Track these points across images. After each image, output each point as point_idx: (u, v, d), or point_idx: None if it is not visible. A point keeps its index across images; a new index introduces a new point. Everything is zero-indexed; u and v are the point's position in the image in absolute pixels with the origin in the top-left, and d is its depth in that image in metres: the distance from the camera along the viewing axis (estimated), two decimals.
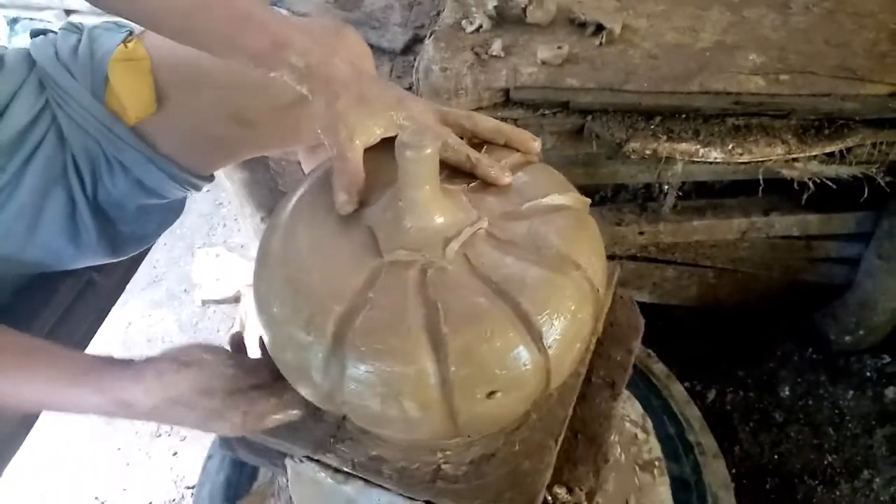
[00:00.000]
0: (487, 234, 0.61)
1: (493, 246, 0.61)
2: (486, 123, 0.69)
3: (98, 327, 1.06)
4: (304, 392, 0.61)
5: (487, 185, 0.65)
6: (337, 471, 0.68)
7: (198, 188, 0.96)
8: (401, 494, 0.66)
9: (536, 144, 0.69)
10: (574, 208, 0.65)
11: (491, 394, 0.56)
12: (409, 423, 0.57)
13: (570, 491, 0.69)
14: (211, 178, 0.98)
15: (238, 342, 0.76)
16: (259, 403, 0.66)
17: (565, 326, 0.57)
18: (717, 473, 1.06)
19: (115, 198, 0.88)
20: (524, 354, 0.55)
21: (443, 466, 0.67)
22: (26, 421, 0.92)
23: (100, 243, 0.89)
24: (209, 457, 1.11)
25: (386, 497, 0.67)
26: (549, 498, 0.68)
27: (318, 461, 0.68)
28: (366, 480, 0.67)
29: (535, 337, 0.56)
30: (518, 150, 0.69)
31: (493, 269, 0.58)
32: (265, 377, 0.68)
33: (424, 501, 0.65)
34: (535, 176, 0.67)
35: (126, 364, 0.68)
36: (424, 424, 0.58)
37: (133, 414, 0.66)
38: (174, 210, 0.99)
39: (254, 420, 0.66)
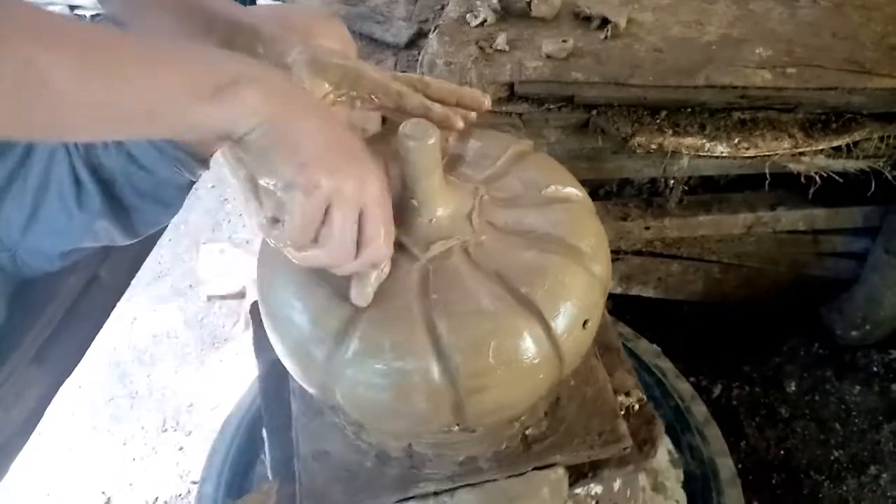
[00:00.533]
0: (490, 225, 0.62)
1: (497, 237, 0.61)
2: (436, 83, 0.69)
3: (103, 322, 1.06)
4: (304, 382, 0.62)
5: (486, 183, 0.66)
6: (438, 493, 0.67)
7: (191, 171, 0.95)
8: (510, 476, 0.67)
9: (486, 101, 0.70)
10: (576, 199, 0.66)
11: (487, 387, 0.56)
12: (414, 417, 0.58)
13: (627, 395, 0.76)
14: (206, 165, 0.98)
15: None
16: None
17: (575, 314, 0.57)
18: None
19: (108, 169, 0.90)
20: (532, 345, 0.56)
21: (527, 432, 0.69)
22: (31, 418, 0.92)
23: (103, 208, 0.90)
24: (213, 452, 1.11)
25: (497, 485, 0.67)
26: (620, 408, 0.73)
27: (413, 497, 0.66)
28: (471, 485, 0.67)
29: (545, 327, 0.56)
30: (472, 109, 0.69)
31: (497, 261, 0.58)
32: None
33: (534, 468, 0.67)
34: (537, 167, 0.68)
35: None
36: (431, 418, 0.58)
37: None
38: (172, 197, 0.98)
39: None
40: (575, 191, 0.66)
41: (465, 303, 0.56)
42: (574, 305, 0.57)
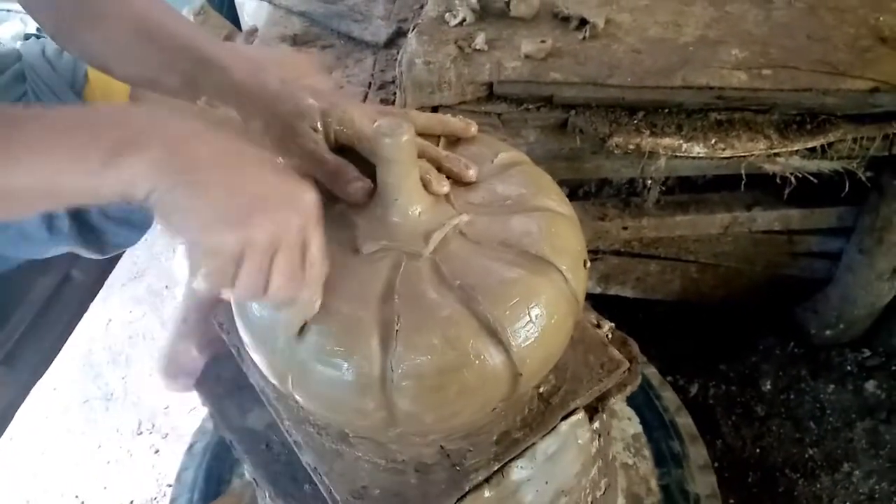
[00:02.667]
0: (461, 234, 0.61)
1: (467, 248, 0.60)
2: (421, 118, 0.69)
3: (77, 323, 1.05)
4: (262, 363, 0.61)
5: (466, 185, 0.65)
6: (489, 479, 0.67)
7: None
8: (545, 435, 0.69)
9: (473, 129, 0.69)
10: (557, 211, 0.65)
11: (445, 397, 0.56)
12: (353, 411, 0.58)
13: (599, 326, 0.81)
14: None
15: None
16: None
17: (536, 328, 0.56)
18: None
19: None
20: (481, 358, 0.55)
21: (541, 391, 0.71)
22: (0, 421, 0.90)
23: (72, 234, 0.89)
24: (190, 445, 1.10)
25: (536, 448, 0.69)
26: (604, 339, 0.77)
27: (469, 492, 0.66)
28: (515, 458, 0.68)
29: (499, 342, 0.55)
30: (459, 137, 0.69)
31: (462, 272, 0.57)
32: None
33: (561, 420, 0.70)
34: (522, 176, 0.67)
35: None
36: (367, 415, 0.58)
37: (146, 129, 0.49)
38: (141, 220, 0.99)
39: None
40: (556, 202, 0.65)
41: (420, 311, 0.55)
42: (538, 322, 0.57)
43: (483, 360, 0.55)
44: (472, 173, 0.64)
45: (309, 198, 0.51)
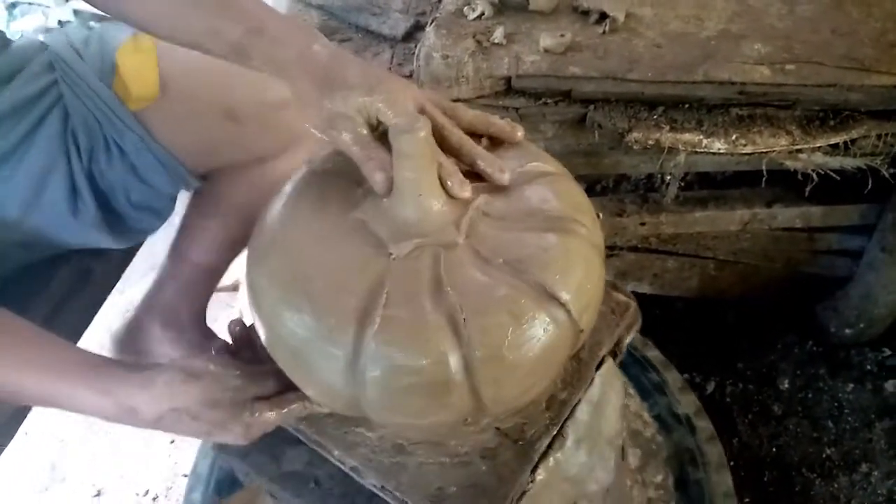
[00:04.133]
0: (484, 214, 0.61)
1: (492, 225, 0.60)
2: (469, 114, 0.67)
3: (94, 315, 1.05)
4: (321, 398, 0.61)
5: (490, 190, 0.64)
6: (552, 445, 0.69)
7: (188, 186, 0.97)
8: (586, 390, 0.72)
9: (520, 133, 0.68)
10: (557, 172, 0.65)
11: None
12: (440, 410, 0.57)
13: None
14: (202, 178, 0.98)
15: (239, 333, 0.75)
16: (263, 414, 0.66)
17: (584, 284, 0.58)
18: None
19: (108, 180, 0.89)
20: (549, 325, 0.55)
21: None
22: (18, 413, 0.91)
23: (97, 219, 0.90)
24: (202, 458, 1.11)
25: (583, 404, 0.72)
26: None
27: (540, 462, 0.68)
28: (567, 419, 0.70)
29: (560, 304, 0.56)
30: (504, 140, 0.68)
31: (501, 249, 0.58)
32: (270, 387, 0.67)
33: (596, 371, 0.72)
34: (549, 190, 0.65)
35: (133, 368, 0.67)
36: (454, 410, 0.57)
37: (135, 421, 0.65)
38: (163, 207, 0.99)
39: (256, 431, 0.66)
40: (581, 224, 0.63)
41: (479, 295, 0.55)
42: (583, 279, 0.58)
43: (551, 326, 0.56)
44: (505, 177, 0.63)
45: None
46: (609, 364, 0.75)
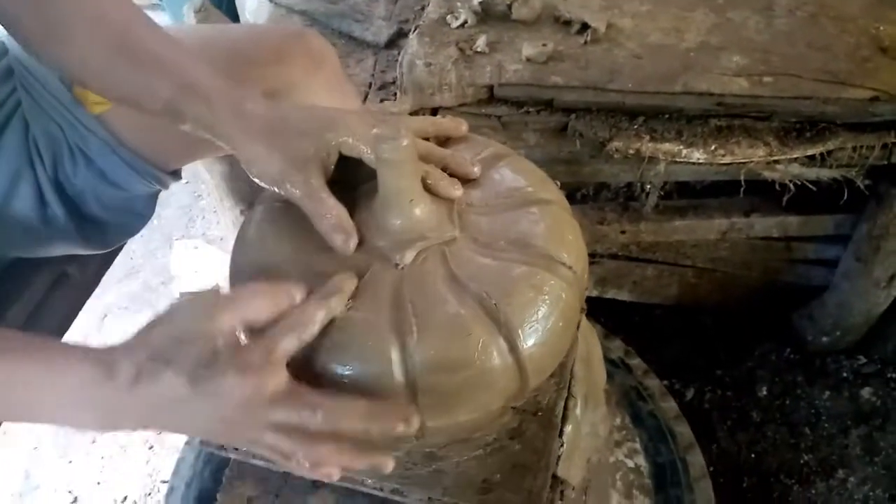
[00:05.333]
0: (468, 206, 0.62)
1: (479, 213, 0.61)
2: (413, 122, 0.69)
3: (73, 320, 1.04)
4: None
5: (463, 183, 0.65)
6: (571, 397, 0.73)
7: (164, 184, 0.93)
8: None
9: (464, 127, 0.69)
10: (553, 201, 0.65)
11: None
12: (493, 397, 0.57)
13: None
14: (178, 176, 0.96)
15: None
16: (264, 336, 0.52)
17: (575, 243, 0.59)
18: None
19: (76, 187, 0.86)
20: (564, 287, 0.57)
21: None
22: None
23: (69, 227, 0.86)
24: (181, 459, 1.10)
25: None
26: None
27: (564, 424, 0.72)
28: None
29: (510, 339, 0.55)
30: (451, 136, 0.69)
31: (471, 269, 0.57)
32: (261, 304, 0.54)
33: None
34: (511, 170, 0.67)
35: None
36: (503, 394, 0.57)
37: (113, 389, 0.51)
38: (143, 207, 0.96)
39: (257, 355, 0.51)
40: (551, 193, 0.66)
41: (498, 279, 0.56)
42: (574, 238, 0.60)
43: (565, 287, 0.58)
44: (476, 170, 0.65)
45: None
46: (584, 320, 0.79)
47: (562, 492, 0.70)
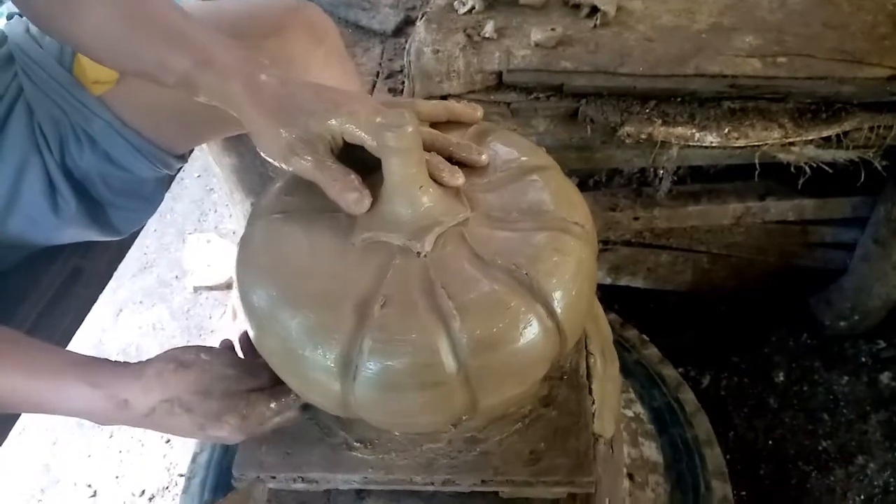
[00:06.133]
0: (478, 213, 0.61)
1: (487, 224, 0.60)
2: (427, 106, 0.68)
3: (85, 315, 1.05)
4: (313, 399, 0.60)
5: (478, 172, 0.64)
6: (587, 363, 0.75)
7: (170, 168, 0.93)
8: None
9: (479, 113, 0.69)
10: (548, 166, 0.65)
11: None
12: (431, 412, 0.57)
13: None
14: (183, 158, 0.95)
15: (245, 336, 0.73)
16: (259, 406, 0.65)
17: (573, 289, 0.57)
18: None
19: (83, 170, 0.86)
20: (536, 325, 0.55)
21: None
22: (9, 415, 0.90)
23: (79, 212, 0.87)
24: (199, 451, 1.11)
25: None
26: None
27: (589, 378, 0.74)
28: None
29: (547, 305, 0.55)
30: (467, 124, 0.68)
31: (491, 246, 0.57)
32: (265, 380, 0.66)
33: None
34: (501, 142, 0.67)
35: (123, 363, 0.66)
36: (447, 411, 0.57)
37: (126, 416, 0.63)
38: (152, 192, 0.96)
39: (253, 424, 0.65)
40: (544, 158, 0.66)
41: (469, 292, 0.55)
42: (574, 278, 0.58)
43: (538, 325, 0.56)
44: (483, 158, 0.64)
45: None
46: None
47: (595, 447, 0.71)
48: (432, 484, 0.68)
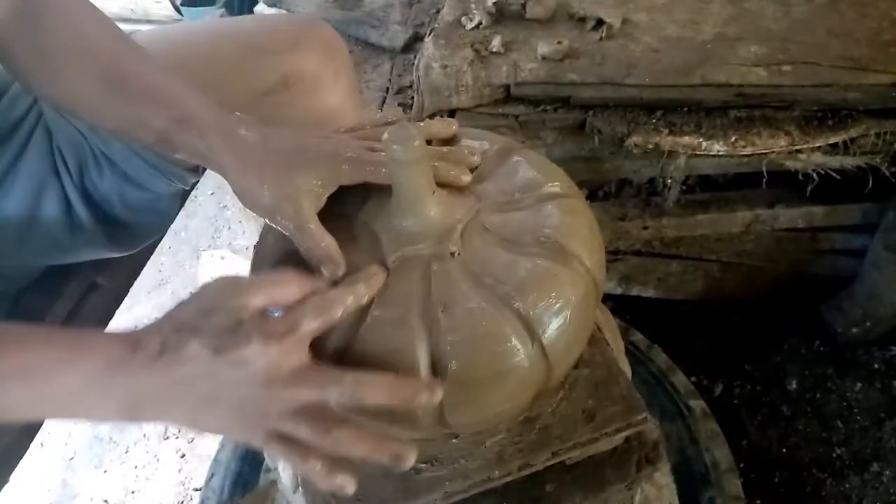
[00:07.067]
0: (483, 229, 0.61)
1: (488, 241, 0.60)
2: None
3: (103, 329, 1.06)
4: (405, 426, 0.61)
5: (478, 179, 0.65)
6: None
7: (185, 182, 0.94)
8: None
9: (453, 125, 0.69)
10: (567, 195, 0.65)
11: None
12: (519, 392, 0.58)
13: None
14: (197, 172, 0.96)
15: None
16: (286, 315, 0.52)
17: (565, 320, 0.57)
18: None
19: (102, 192, 0.88)
20: (520, 352, 0.55)
21: None
22: (28, 430, 0.92)
23: (96, 232, 0.88)
24: (221, 447, 1.11)
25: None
26: None
27: None
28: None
29: (532, 334, 0.55)
30: (444, 138, 0.69)
31: (488, 267, 0.58)
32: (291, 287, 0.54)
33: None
34: (525, 164, 0.67)
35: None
36: (530, 389, 0.58)
37: (139, 361, 0.51)
38: (167, 206, 0.97)
39: (283, 327, 0.51)
40: (565, 186, 0.66)
41: (518, 271, 0.57)
42: (565, 314, 0.57)
43: (523, 354, 0.56)
44: (475, 158, 0.65)
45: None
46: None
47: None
48: (509, 474, 0.67)
